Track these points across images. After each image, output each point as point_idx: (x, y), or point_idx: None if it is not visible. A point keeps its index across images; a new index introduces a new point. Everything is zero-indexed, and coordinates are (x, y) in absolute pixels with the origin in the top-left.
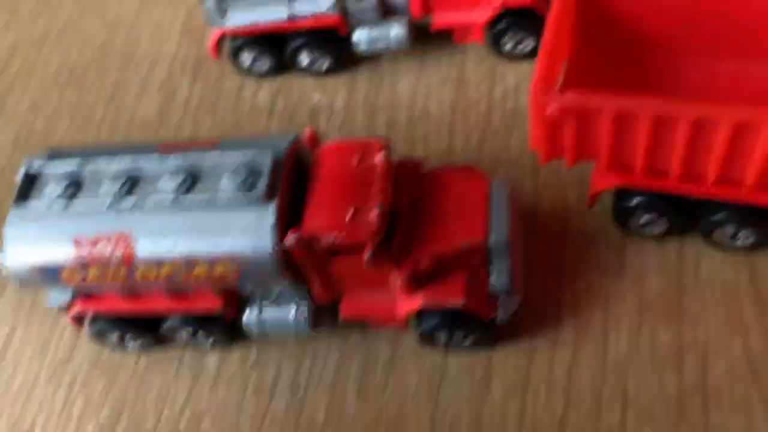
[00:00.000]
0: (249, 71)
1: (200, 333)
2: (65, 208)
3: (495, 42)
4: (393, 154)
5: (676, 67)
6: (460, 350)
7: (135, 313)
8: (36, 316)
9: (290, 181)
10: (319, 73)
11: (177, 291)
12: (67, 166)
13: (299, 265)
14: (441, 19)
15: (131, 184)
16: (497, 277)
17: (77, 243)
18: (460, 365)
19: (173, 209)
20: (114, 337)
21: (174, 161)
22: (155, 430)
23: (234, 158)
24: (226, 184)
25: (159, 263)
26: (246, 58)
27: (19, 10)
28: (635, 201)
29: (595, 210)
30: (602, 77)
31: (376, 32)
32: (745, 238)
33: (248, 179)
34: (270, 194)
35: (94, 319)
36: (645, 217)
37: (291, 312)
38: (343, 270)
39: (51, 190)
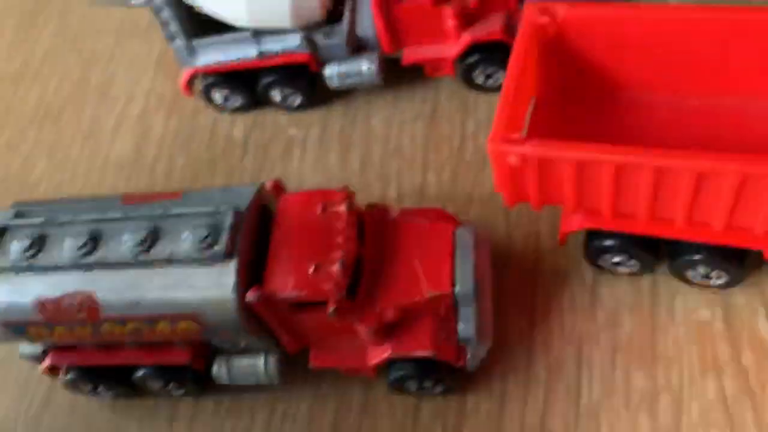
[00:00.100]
0: (223, 108)
1: (171, 383)
2: (29, 266)
3: (466, 75)
4: (365, 191)
5: (645, 105)
6: (431, 395)
7: (106, 365)
8: (12, 364)
9: (253, 234)
10: (292, 109)
11: (146, 344)
12: (32, 222)
13: (264, 320)
14: (411, 54)
15: (94, 240)
16: (464, 327)
17: (41, 303)
18: (433, 410)
19: (135, 267)
20: (87, 387)
21: (136, 216)
22: None
23: (195, 213)
24: (188, 241)
25: (123, 321)
26: (218, 95)
27: None
28: (606, 242)
29: (568, 246)
30: (571, 117)
31: (347, 68)
32: (717, 277)
33: (209, 236)
34: (230, 251)
35: (68, 370)
36: (616, 258)
37: (260, 362)
38: (308, 323)
39: (16, 247)
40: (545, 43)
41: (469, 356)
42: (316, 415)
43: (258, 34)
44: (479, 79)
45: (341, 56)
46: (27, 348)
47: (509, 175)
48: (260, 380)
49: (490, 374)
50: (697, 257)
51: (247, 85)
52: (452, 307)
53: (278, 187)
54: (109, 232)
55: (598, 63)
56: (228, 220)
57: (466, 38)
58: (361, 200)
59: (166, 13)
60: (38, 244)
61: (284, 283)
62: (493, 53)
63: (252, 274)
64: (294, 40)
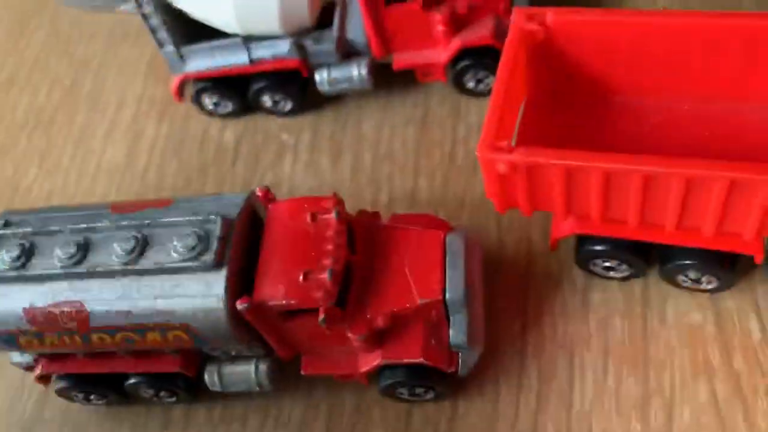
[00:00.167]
0: (214, 113)
1: (163, 391)
2: (18, 275)
3: (457, 80)
4: (357, 197)
5: (635, 110)
6: (423, 401)
7: (97, 374)
8: (4, 372)
9: (243, 242)
10: (283, 114)
11: (137, 352)
12: (21, 230)
13: (255, 328)
14: (402, 59)
15: (83, 250)
16: (455, 334)
17: (31, 312)
18: (425, 416)
19: (124, 276)
20: (79, 395)
21: (125, 225)
22: None
23: (185, 222)
24: (177, 250)
25: (113, 330)
26: (209, 101)
27: None
28: (596, 247)
29: (560, 251)
30: (561, 121)
31: (337, 73)
32: (708, 282)
33: (199, 244)
34: (220, 260)
35: (59, 378)
36: (607, 263)
37: (252, 369)
38: (299, 331)
39: (4, 256)
40: (534, 48)
41: (460, 362)
42: (308, 421)
43: (248, 40)
44: (470, 84)
45: (331, 62)
46: (18, 356)
47: (499, 181)
48: (252, 387)
49: (481, 380)
50: (687, 262)
51: (237, 90)
52: (443, 313)
53: (268, 195)
54: (99, 240)
55: (587, 68)
56: (218, 229)
57: (456, 43)
58: (353, 205)
59: (155, 20)
60: (27, 253)
61: (274, 292)
62: (483, 58)
63: (242, 283)
64: (284, 46)
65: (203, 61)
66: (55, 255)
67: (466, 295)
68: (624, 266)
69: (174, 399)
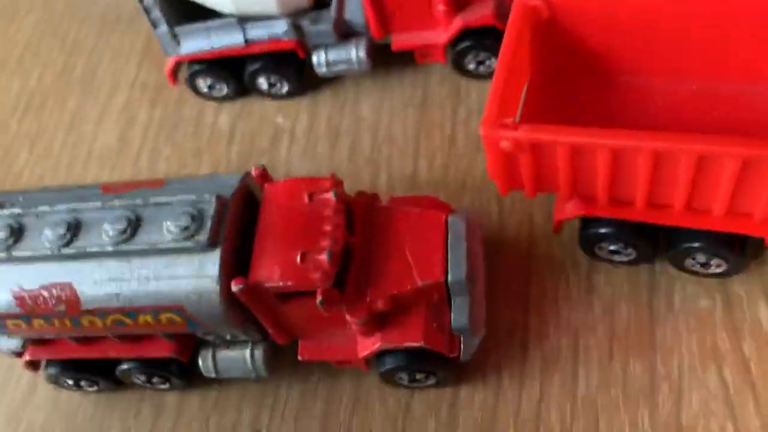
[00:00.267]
0: (208, 96)
1: (156, 377)
2: (6, 257)
3: (458, 61)
4: (355, 180)
5: (641, 90)
6: (424, 387)
7: (88, 359)
8: None
9: (238, 223)
10: (279, 97)
11: (128, 336)
12: (8, 211)
13: (250, 311)
14: (401, 40)
15: (73, 231)
16: (457, 317)
17: (19, 295)
18: (425, 403)
19: (116, 257)
20: (69, 381)
21: (116, 206)
22: None
23: (178, 202)
24: (170, 230)
25: (103, 313)
26: (203, 84)
27: None
28: (601, 230)
29: (563, 234)
30: (565, 102)
31: (335, 54)
32: (716, 266)
33: (192, 224)
34: (214, 240)
35: (48, 364)
36: (612, 246)
37: (247, 354)
38: (296, 314)
39: None
40: (538, 26)
41: (462, 347)
42: (305, 408)
43: (244, 20)
44: (470, 66)
45: (329, 42)
46: (6, 342)
47: (502, 161)
48: (247, 373)
49: (483, 365)
50: (696, 245)
51: (233, 73)
52: (445, 296)
53: (264, 175)
54: (89, 221)
55: (592, 47)
56: (212, 208)
57: (457, 23)
58: (351, 188)
59: (149, 0)
60: (16, 234)
61: (270, 273)
62: (484, 38)
63: (237, 264)
64: (280, 27)
65: (198, 42)
66: (45, 236)
67: (469, 278)
68: (630, 250)
69: (167, 385)
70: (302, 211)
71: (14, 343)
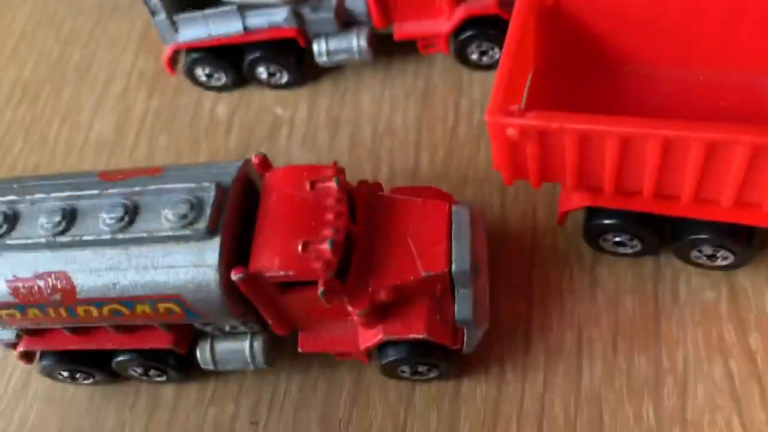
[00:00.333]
0: (206, 85)
1: (152, 369)
2: (0, 245)
3: (460, 52)
4: (355, 172)
5: (647, 79)
6: (426, 380)
7: (83, 350)
8: None
9: (238, 211)
10: (279, 86)
11: (125, 327)
12: (3, 198)
13: (250, 301)
14: (403, 29)
15: (69, 218)
16: (460, 309)
17: (13, 283)
18: (427, 396)
19: (113, 245)
20: (64, 373)
21: (114, 193)
22: None
23: (176, 189)
24: (168, 218)
25: (100, 302)
26: (202, 72)
27: None
28: (606, 221)
29: (567, 226)
30: (569, 91)
31: (336, 43)
32: (723, 258)
33: (191, 212)
34: (214, 228)
35: (43, 356)
36: (617, 238)
37: (246, 346)
38: (296, 304)
39: None
40: (543, 14)
41: (465, 339)
42: (304, 401)
43: (243, 7)
44: (473, 56)
45: (330, 31)
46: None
47: (508, 149)
48: (246, 365)
49: (486, 358)
50: (702, 236)
51: (232, 61)
52: (448, 287)
53: (264, 163)
54: (86, 209)
55: (597, 35)
56: (211, 196)
57: (460, 12)
58: (351, 181)
59: None
60: (10, 221)
61: (271, 262)
62: (488, 28)
63: (237, 253)
64: (281, 14)
65: (196, 29)
66: (40, 224)
67: (473, 269)
68: (635, 241)
69: (164, 378)
70: (304, 199)
71: (8, 334)
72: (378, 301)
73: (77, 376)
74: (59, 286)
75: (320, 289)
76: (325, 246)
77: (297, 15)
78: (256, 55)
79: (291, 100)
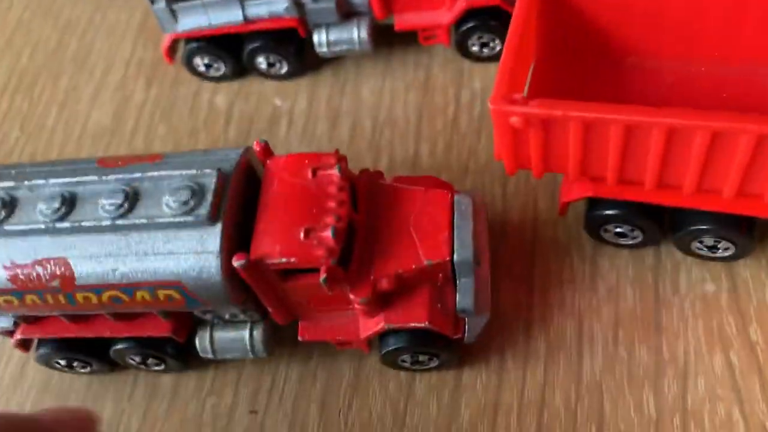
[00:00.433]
0: (205, 76)
1: (151, 358)
2: None
3: (461, 43)
4: (355, 163)
5: (649, 72)
6: (426, 370)
7: (81, 338)
8: None
9: (239, 198)
10: (279, 77)
11: (123, 315)
12: (2, 184)
13: (250, 288)
14: (404, 20)
15: (69, 204)
16: (462, 298)
17: (11, 269)
18: (428, 385)
19: (113, 231)
20: (61, 362)
21: (113, 179)
22: None
23: (177, 175)
24: (169, 204)
25: (99, 289)
26: (201, 62)
27: None
28: (608, 212)
29: (568, 217)
30: (571, 83)
31: (336, 34)
32: (724, 249)
33: (192, 198)
34: (215, 214)
35: (40, 344)
36: (619, 229)
37: (246, 334)
38: (298, 292)
39: None
40: (546, 4)
41: (466, 328)
42: (304, 391)
43: None
44: (474, 48)
45: (331, 21)
46: None
47: (511, 138)
48: (246, 354)
49: (487, 348)
50: (703, 227)
51: (231, 51)
52: (450, 276)
53: (266, 150)
54: (85, 195)
55: (600, 26)
56: (213, 182)
57: (462, 3)
58: (352, 171)
59: None
60: (9, 207)
61: (272, 249)
62: (489, 19)
63: (238, 240)
64: (281, 4)
65: (196, 18)
66: (39, 209)
67: (475, 258)
68: (637, 232)
69: (162, 367)
70: (306, 186)
71: (5, 322)
72: (380, 289)
73: (75, 364)
74: (58, 273)
75: (322, 276)
76: (328, 233)
77: (298, 5)
78: (256, 44)
79: (291, 91)
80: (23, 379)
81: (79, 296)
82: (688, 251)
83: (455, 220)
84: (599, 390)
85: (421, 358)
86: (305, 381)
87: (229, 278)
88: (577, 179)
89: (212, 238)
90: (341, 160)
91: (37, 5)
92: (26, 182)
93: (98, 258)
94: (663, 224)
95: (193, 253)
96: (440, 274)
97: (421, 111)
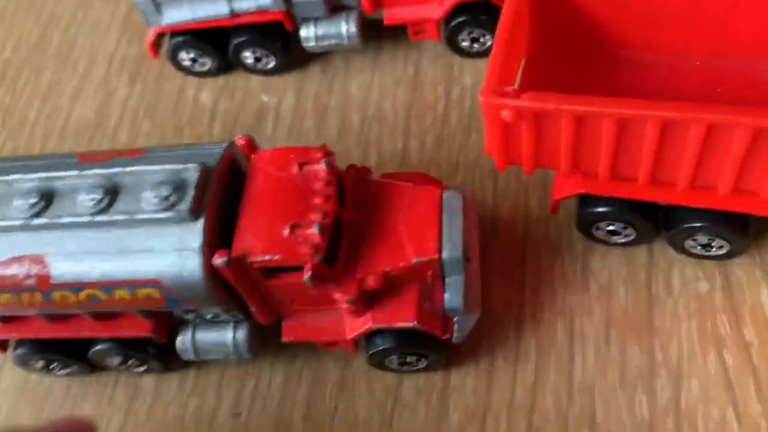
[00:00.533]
0: (190, 71)
1: (131, 359)
2: None
3: (451, 39)
4: (344, 159)
5: (643, 66)
6: (414, 371)
7: (60, 338)
8: None
9: (222, 193)
10: (265, 72)
11: (103, 315)
12: None
13: (233, 287)
14: (393, 14)
15: (46, 200)
16: (451, 297)
17: None
18: (415, 388)
19: (91, 228)
20: (39, 363)
21: (93, 174)
22: None
23: (159, 170)
24: (149, 200)
25: (77, 287)
26: (186, 57)
27: None
28: (600, 209)
29: (559, 214)
30: (562, 78)
31: (324, 28)
32: (718, 247)
33: (173, 194)
34: (197, 210)
35: (17, 344)
36: (611, 226)
37: (228, 335)
38: (282, 291)
39: None
40: None
41: (455, 328)
42: (288, 393)
43: None
44: (464, 43)
45: (318, 15)
46: None
47: (502, 133)
48: (228, 355)
49: (476, 349)
50: (698, 224)
51: (217, 46)
52: (438, 274)
53: (251, 145)
54: (63, 190)
55: (592, 20)
56: (194, 177)
57: None
58: (340, 167)
59: None
60: None
61: (255, 246)
62: (480, 14)
63: (220, 237)
64: None
65: (181, 12)
66: (15, 205)
67: (464, 255)
68: (629, 230)
69: (143, 368)
70: (291, 181)
71: None
72: (366, 288)
73: (53, 366)
74: (34, 271)
75: (307, 274)
76: (313, 230)
77: None
78: (242, 39)
79: (277, 87)
80: (0, 380)
81: (56, 295)
82: (681, 249)
83: (444, 217)
84: (591, 391)
85: (409, 359)
86: (290, 382)
87: (211, 276)
88: (569, 175)
89: (193, 234)
90: (328, 154)
91: (19, 1)
92: (2, 177)
93: (76, 255)
94: (656, 222)
95: (173, 251)
96: (429, 272)
97: (410, 107)
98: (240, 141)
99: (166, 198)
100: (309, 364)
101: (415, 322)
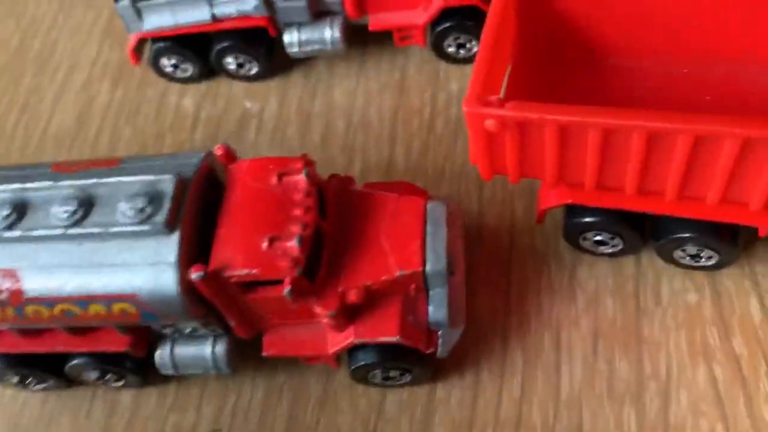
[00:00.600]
0: (172, 77)
1: (109, 374)
2: None
3: (437, 44)
4: (328, 166)
5: (631, 73)
6: (398, 386)
7: (36, 353)
8: None
9: (199, 205)
10: (248, 78)
11: (79, 329)
12: None
13: (210, 301)
14: (378, 20)
15: (19, 212)
16: (435, 310)
17: None
18: (399, 402)
19: (65, 241)
20: (14, 378)
21: (67, 185)
22: None
23: (134, 181)
24: (124, 212)
25: (51, 302)
26: (168, 63)
27: None
28: (587, 219)
29: (546, 224)
30: (550, 85)
31: (308, 34)
32: (707, 258)
33: (149, 206)
34: (172, 223)
35: None
36: (598, 237)
37: (207, 349)
38: (261, 305)
39: None
40: (523, 3)
41: (439, 342)
42: (269, 409)
43: None
44: (450, 49)
45: (302, 21)
46: None
47: (486, 142)
48: (208, 370)
49: (461, 362)
50: (686, 235)
51: (199, 51)
52: (422, 287)
53: (229, 154)
54: (37, 202)
55: (579, 27)
56: (170, 189)
57: (438, 2)
58: (323, 176)
59: None
60: None
61: (233, 259)
62: (466, 19)
63: (197, 250)
64: (250, 2)
65: (162, 17)
66: None
67: (449, 268)
68: (617, 240)
69: (121, 383)
70: (270, 192)
71: None
72: (348, 302)
73: (28, 381)
74: (6, 285)
75: (286, 288)
76: (293, 243)
77: (267, 3)
78: (225, 44)
79: (260, 93)
80: None
81: (29, 309)
82: (670, 260)
83: (428, 229)
84: (578, 405)
85: (392, 373)
86: (271, 397)
87: (187, 291)
88: (555, 185)
89: (169, 248)
90: (308, 164)
91: (0, 3)
92: None
93: (49, 269)
94: (644, 232)
95: (149, 264)
96: (412, 285)
97: (396, 113)
98: (218, 151)
99: (142, 210)
100: (290, 378)
101: (398, 337)
